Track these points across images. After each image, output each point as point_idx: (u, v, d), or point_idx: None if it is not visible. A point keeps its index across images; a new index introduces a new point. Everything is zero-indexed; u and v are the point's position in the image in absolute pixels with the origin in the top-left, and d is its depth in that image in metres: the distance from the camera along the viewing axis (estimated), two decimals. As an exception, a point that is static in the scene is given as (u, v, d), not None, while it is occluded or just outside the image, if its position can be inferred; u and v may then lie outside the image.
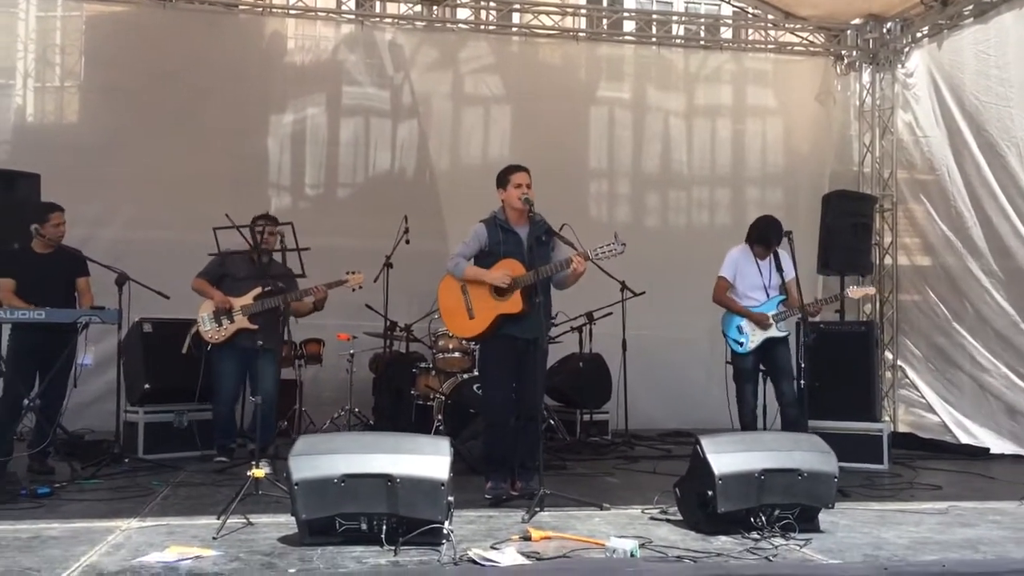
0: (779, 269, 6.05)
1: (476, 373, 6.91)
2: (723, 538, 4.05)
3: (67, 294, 6.05)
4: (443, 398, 6.81)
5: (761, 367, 6.27)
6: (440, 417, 6.79)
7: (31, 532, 4.07)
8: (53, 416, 5.85)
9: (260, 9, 9.02)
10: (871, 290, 7.46)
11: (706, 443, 4.20)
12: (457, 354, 7.18)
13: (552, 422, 7.52)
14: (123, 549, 3.79)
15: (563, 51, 9.46)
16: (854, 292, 6.60)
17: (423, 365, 7.45)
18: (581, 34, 9.52)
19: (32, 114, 8.67)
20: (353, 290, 6.42)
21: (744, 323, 6.23)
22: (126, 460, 6.15)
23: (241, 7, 8.95)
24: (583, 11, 10.19)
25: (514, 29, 9.42)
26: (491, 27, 9.42)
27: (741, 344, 6.24)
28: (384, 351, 7.70)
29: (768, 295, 6.25)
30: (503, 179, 5.23)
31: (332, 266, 6.39)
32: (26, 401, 5.64)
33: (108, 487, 5.38)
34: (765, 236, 6.25)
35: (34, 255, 6.00)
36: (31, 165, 7.14)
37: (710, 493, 4.08)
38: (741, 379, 6.26)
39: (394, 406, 7.46)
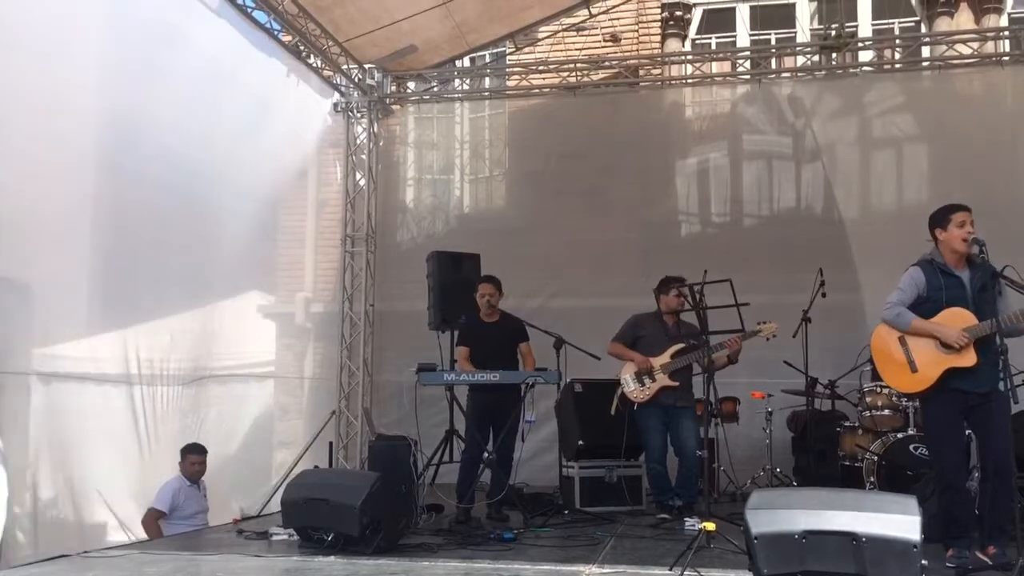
0: None
1: (911, 432, 6.43)
2: None
3: (511, 357, 6.71)
4: (875, 458, 6.40)
5: None
6: (872, 479, 6.39)
7: (510, 571, 4.53)
8: (507, 469, 6.47)
9: (660, 83, 9.49)
10: None
11: None
12: (887, 412, 6.79)
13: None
14: (594, 592, 4.06)
15: (984, 79, 8.64)
16: None
17: (848, 424, 7.12)
18: (1005, 58, 8.61)
19: (468, 203, 9.91)
20: (767, 339, 6.34)
21: None
22: (566, 512, 6.63)
23: (642, 84, 9.49)
24: (1006, 33, 9.19)
25: (924, 63, 8.80)
26: (897, 65, 8.93)
27: None
28: (805, 408, 7.47)
29: None
30: (941, 219, 4.83)
31: (745, 322, 6.37)
32: (485, 455, 6.32)
33: (558, 535, 5.79)
34: None
35: (482, 324, 6.77)
36: (471, 247, 8.19)
37: None
38: None
39: (818, 467, 7.17)
